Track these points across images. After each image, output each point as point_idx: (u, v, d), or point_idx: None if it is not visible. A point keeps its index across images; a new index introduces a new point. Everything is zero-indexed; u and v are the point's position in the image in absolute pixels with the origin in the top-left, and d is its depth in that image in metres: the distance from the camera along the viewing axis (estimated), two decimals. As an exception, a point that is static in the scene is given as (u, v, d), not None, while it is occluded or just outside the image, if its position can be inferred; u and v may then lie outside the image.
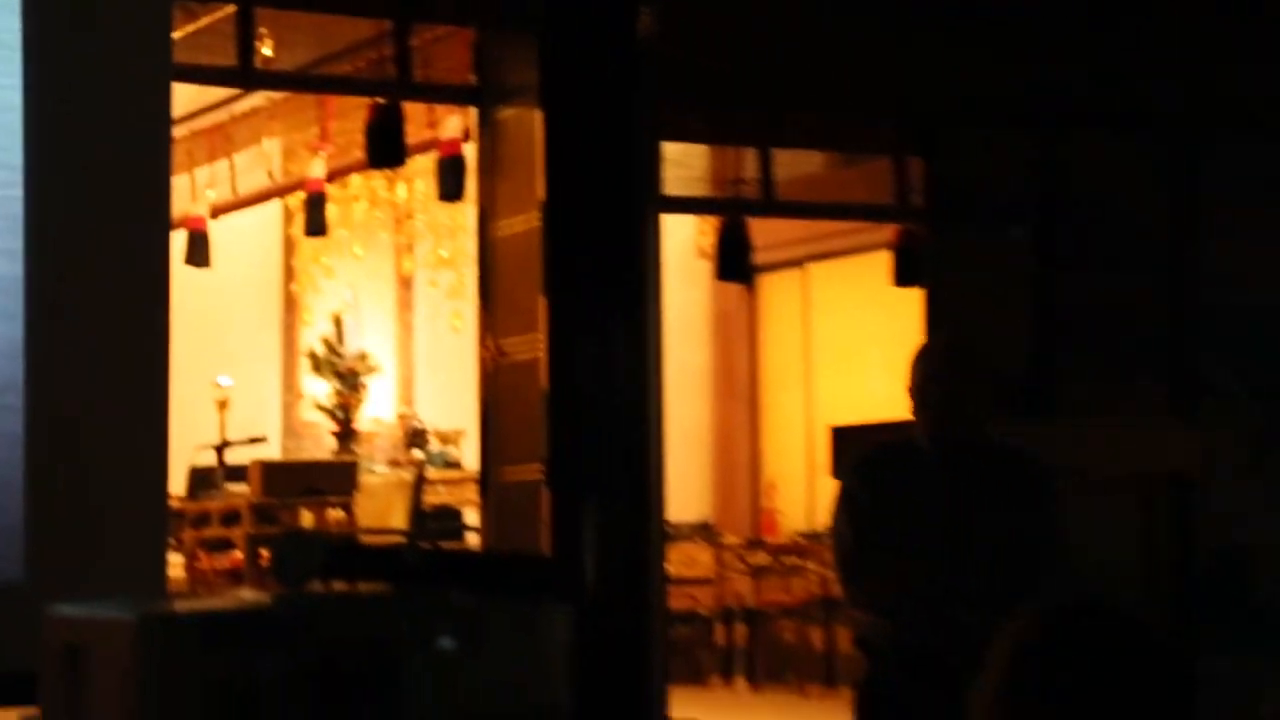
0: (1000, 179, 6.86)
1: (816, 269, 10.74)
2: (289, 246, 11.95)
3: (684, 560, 9.33)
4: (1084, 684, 2.49)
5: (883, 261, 8.47)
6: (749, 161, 8.29)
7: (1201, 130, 7.01)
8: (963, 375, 4.94)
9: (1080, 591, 3.51)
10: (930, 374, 4.93)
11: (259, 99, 10.14)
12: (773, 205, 8.54)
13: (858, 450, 4.90)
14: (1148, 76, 6.87)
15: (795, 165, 8.30)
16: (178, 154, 7.77)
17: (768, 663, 9.11)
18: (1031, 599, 2.75)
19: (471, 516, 9.01)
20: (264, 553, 8.23)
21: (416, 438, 11.01)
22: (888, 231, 8.16)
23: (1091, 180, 6.93)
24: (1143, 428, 6.72)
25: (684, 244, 10.39)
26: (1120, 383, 6.87)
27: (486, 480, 7.18)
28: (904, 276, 8.00)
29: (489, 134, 7.13)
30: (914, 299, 7.12)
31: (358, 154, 8.22)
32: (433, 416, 11.29)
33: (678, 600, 8.74)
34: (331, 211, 10.46)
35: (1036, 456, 4.98)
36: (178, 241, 8.75)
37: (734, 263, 9.16)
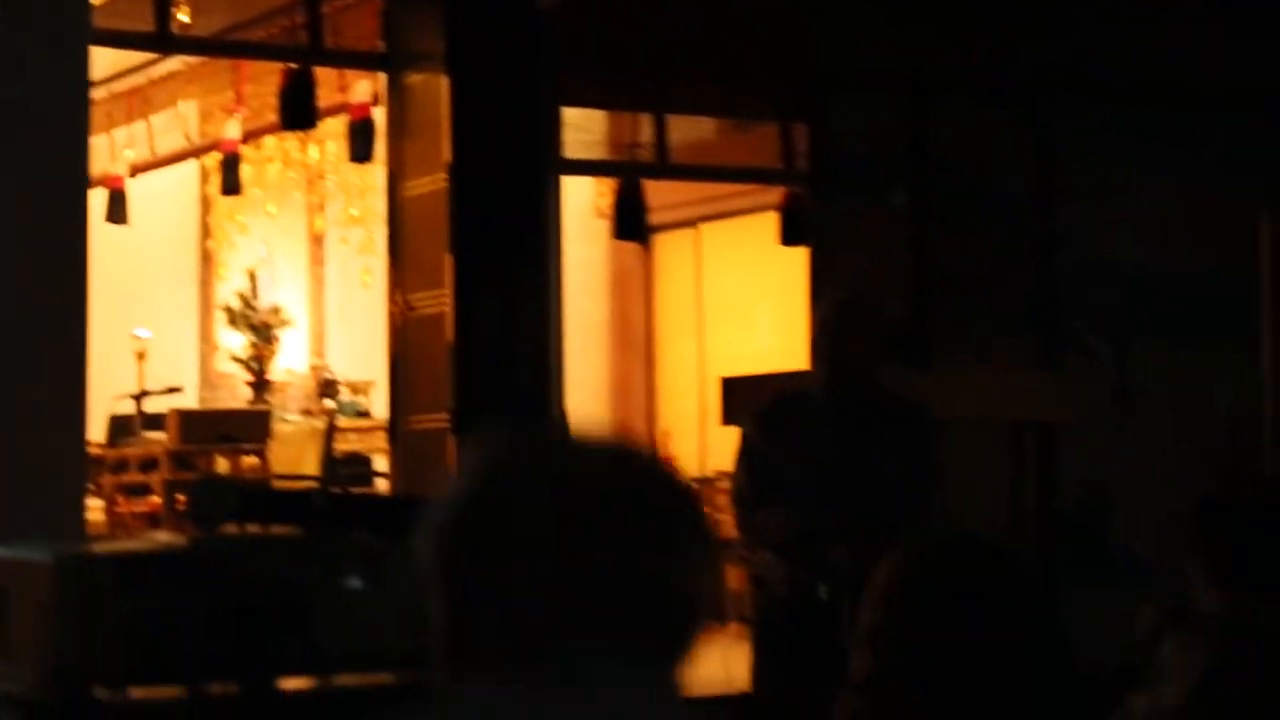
0: (879, 144, 6.89)
1: (708, 229, 10.75)
2: (205, 205, 11.80)
3: (583, 504, 9.33)
4: (957, 613, 2.55)
5: (770, 222, 8.50)
6: (644, 126, 8.28)
7: (1060, 96, 7.08)
8: (855, 330, 4.97)
9: (955, 529, 3.56)
10: (826, 328, 4.96)
11: (176, 63, 9.99)
12: (667, 168, 8.53)
13: (758, 401, 4.93)
14: (1011, 45, 6.93)
15: (688, 130, 8.29)
16: (97, 115, 7.64)
17: (661, 600, 9.15)
18: (912, 537, 2.79)
19: (381, 463, 8.97)
20: (181, 497, 8.16)
21: (328, 388, 10.93)
22: (775, 194, 8.19)
23: (963, 145, 6.98)
24: (1012, 377, 6.79)
25: (583, 205, 10.37)
26: (991, 336, 6.94)
27: (395, 428, 7.15)
28: (790, 237, 8.04)
29: (397, 98, 7.07)
30: (800, 258, 7.16)
31: (271, 117, 8.12)
32: (343, 367, 11.21)
33: (577, 541, 8.75)
34: (246, 171, 10.34)
35: (922, 406, 5.02)
36: (97, 200, 8.62)
37: (630, 223, 9.15)
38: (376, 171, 8.30)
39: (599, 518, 1.47)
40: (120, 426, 9.01)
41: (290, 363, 11.66)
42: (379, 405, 9.60)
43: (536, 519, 1.44)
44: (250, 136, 10.07)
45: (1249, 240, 7.36)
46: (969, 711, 2.66)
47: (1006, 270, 7.01)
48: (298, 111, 7.27)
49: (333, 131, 9.36)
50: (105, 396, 7.89)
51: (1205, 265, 7.27)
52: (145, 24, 6.75)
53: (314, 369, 11.52)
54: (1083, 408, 6.90)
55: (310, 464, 8.42)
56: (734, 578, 5.32)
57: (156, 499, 8.63)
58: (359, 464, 9.55)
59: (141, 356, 9.20)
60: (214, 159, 10.55)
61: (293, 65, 7.19)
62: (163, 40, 7.07)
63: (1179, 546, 3.32)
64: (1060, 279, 7.04)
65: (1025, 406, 6.65)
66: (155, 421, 8.87)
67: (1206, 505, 3.24)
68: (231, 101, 9.90)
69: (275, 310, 11.55)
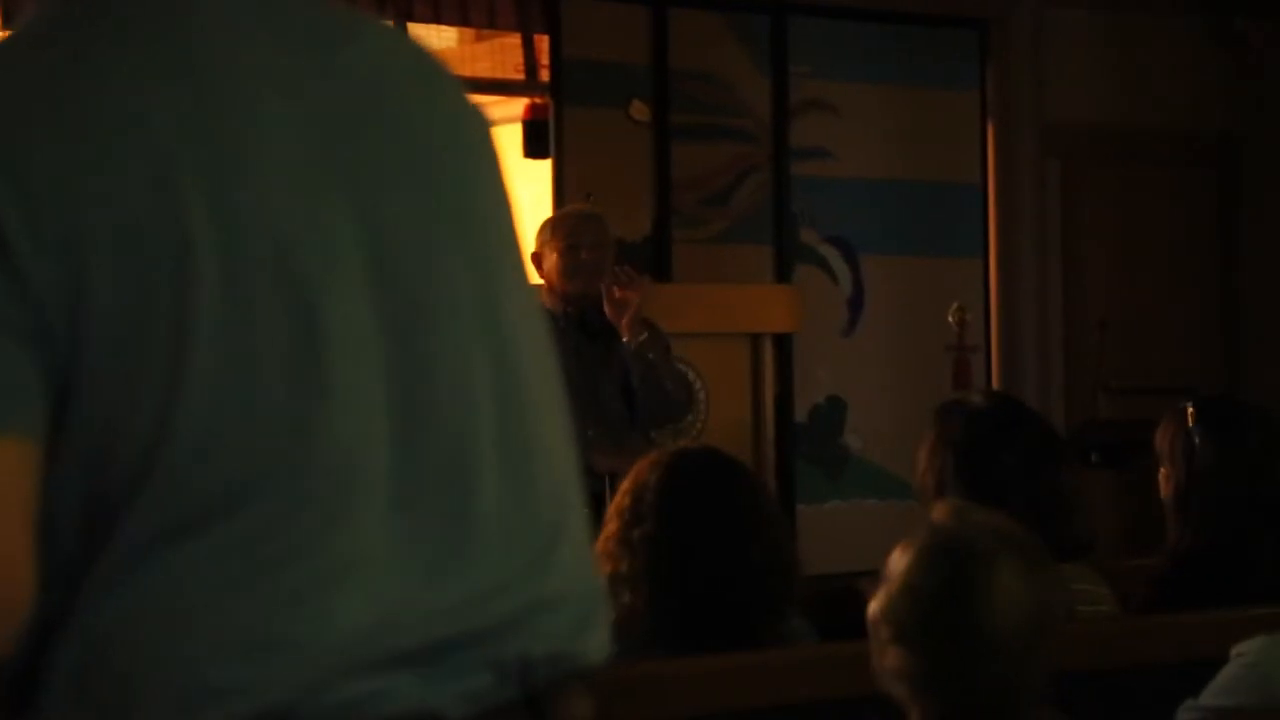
0: (620, 55, 6.87)
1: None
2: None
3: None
4: (691, 504, 2.71)
5: (514, 135, 8.42)
6: (385, 35, 8.10)
7: (797, 11, 7.14)
8: (591, 242, 4.98)
9: (692, 439, 3.63)
10: (562, 242, 4.95)
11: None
12: (408, 78, 8.36)
13: None
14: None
15: (429, 39, 8.17)
16: None
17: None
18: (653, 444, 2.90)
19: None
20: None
21: None
22: (518, 106, 8.10)
23: (704, 58, 7.00)
24: (748, 290, 6.87)
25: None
26: (730, 248, 7.01)
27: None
28: (533, 149, 7.97)
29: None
30: (543, 171, 7.12)
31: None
32: None
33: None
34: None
35: (651, 319, 5.06)
36: None
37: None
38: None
39: None
40: None
41: None
42: None
43: None
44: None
45: (978, 153, 7.55)
46: (695, 613, 2.72)
47: (744, 183, 7.08)
48: None
49: None
50: None
51: (936, 179, 7.44)
52: None
53: None
54: (818, 319, 7.02)
55: None
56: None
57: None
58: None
59: None
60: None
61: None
62: None
63: (910, 455, 3.40)
64: (795, 193, 7.14)
65: (763, 318, 6.74)
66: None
67: (937, 414, 3.32)
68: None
69: None
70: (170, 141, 1.28)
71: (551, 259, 5.09)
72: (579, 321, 5.04)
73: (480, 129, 1.54)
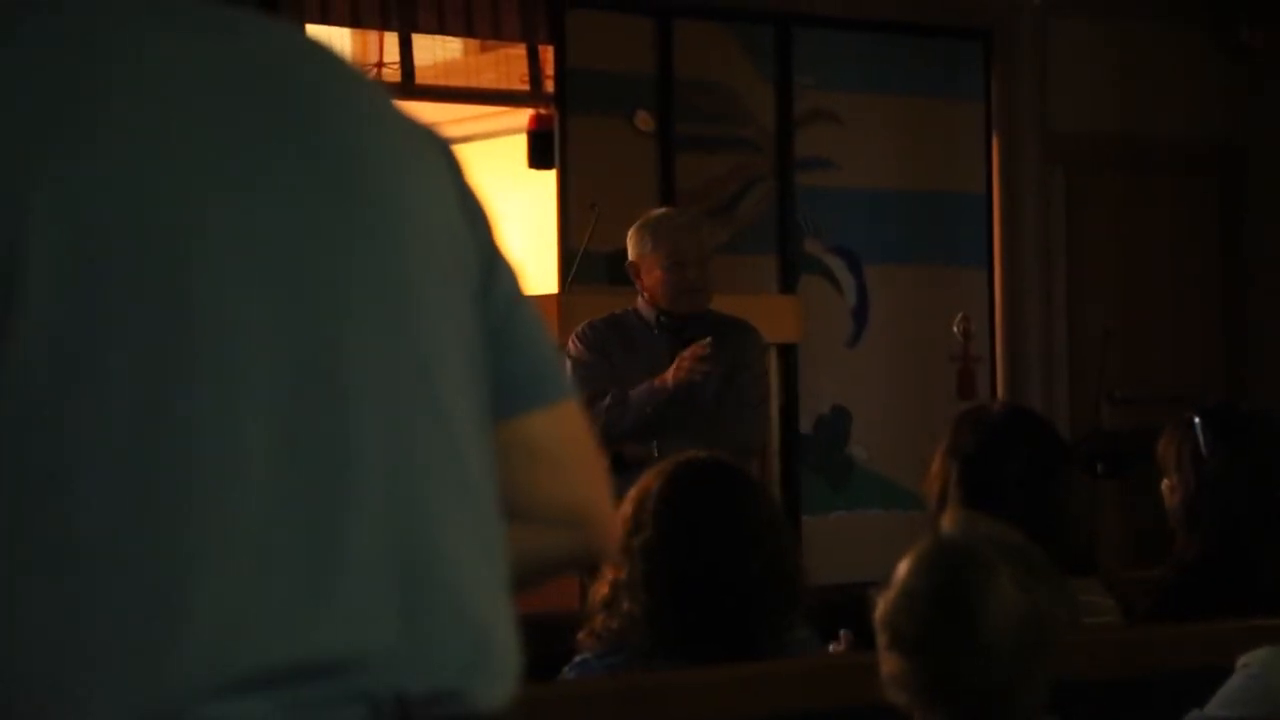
0: (624, 65, 6.87)
1: (456, 152, 10.62)
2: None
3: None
4: (691, 512, 2.70)
5: (518, 146, 8.42)
6: (391, 45, 8.12)
7: (800, 22, 7.14)
8: (696, 258, 4.89)
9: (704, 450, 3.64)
10: (666, 259, 4.84)
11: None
12: (413, 90, 8.38)
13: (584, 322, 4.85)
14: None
15: (434, 50, 8.17)
16: None
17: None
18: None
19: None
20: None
21: None
22: (522, 117, 8.10)
23: (708, 68, 7.00)
24: (754, 300, 6.86)
25: (328, 125, 10.13)
26: (734, 258, 7.00)
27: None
28: (537, 160, 7.97)
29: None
30: (548, 181, 7.12)
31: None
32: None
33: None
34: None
35: (750, 327, 5.00)
36: None
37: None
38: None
39: None
40: None
41: None
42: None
43: None
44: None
45: (982, 163, 7.55)
46: (695, 621, 2.71)
47: (748, 193, 7.07)
48: None
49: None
50: None
51: (940, 188, 7.43)
52: None
53: None
54: (822, 330, 7.01)
55: None
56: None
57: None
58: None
59: None
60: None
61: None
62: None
63: (915, 465, 3.38)
64: (799, 203, 7.13)
65: (766, 329, 6.73)
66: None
67: (953, 422, 3.31)
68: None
69: None
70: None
71: (655, 275, 4.87)
72: (673, 332, 4.93)
73: (418, 144, 1.46)
